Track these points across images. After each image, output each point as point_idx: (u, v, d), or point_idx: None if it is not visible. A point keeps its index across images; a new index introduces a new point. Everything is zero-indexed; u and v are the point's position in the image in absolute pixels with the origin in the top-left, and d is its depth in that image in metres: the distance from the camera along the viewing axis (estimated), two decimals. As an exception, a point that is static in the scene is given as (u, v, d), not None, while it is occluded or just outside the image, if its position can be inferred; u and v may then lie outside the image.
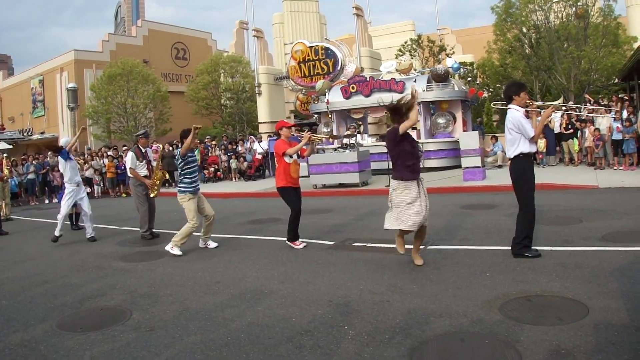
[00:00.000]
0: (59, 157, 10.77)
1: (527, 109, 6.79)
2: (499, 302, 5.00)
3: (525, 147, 6.50)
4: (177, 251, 8.49)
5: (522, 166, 6.57)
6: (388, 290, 5.69)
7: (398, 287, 5.80)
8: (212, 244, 8.96)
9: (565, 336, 4.12)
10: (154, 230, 10.53)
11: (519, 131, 6.47)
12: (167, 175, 10.41)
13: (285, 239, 8.46)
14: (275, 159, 8.66)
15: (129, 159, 10.38)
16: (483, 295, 5.28)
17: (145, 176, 10.32)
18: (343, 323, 4.81)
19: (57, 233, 10.51)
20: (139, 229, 10.54)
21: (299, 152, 8.43)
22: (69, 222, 11.99)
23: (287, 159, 8.26)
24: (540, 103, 7.36)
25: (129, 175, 10.61)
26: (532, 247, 6.62)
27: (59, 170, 13.03)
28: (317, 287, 6.05)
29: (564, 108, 12.30)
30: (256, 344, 4.48)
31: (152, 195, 10.10)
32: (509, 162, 6.77)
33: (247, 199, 16.54)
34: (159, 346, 4.60)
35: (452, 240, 7.91)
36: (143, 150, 10.56)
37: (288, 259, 7.60)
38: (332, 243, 8.51)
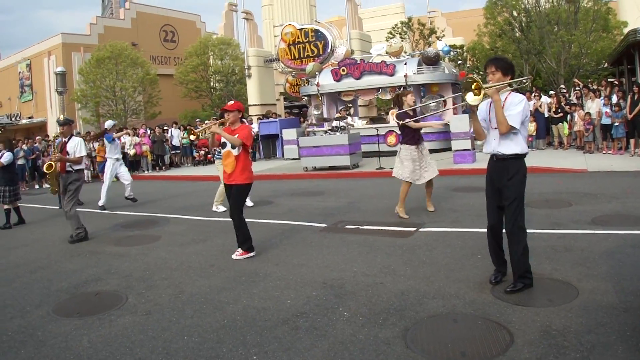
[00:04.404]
0: (105, 138, 12.46)
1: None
2: (491, 284, 5.08)
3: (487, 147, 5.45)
4: (221, 208, 10.47)
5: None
6: (381, 273, 5.76)
7: (391, 269, 5.87)
8: (222, 208, 10.54)
9: (556, 317, 4.20)
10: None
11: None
12: (55, 168, 9.15)
13: (279, 221, 8.41)
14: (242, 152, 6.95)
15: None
16: (475, 276, 5.37)
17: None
18: (338, 305, 4.88)
19: (100, 203, 12.18)
20: (134, 213, 10.53)
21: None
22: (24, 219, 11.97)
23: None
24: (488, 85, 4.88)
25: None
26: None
27: (48, 155, 13.16)
28: (311, 270, 6.11)
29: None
30: (252, 326, 4.54)
31: (52, 192, 10.20)
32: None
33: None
34: (156, 329, 4.65)
35: (444, 223, 7.99)
36: (64, 140, 9.22)
37: (280, 242, 7.65)
38: (324, 225, 8.56)
